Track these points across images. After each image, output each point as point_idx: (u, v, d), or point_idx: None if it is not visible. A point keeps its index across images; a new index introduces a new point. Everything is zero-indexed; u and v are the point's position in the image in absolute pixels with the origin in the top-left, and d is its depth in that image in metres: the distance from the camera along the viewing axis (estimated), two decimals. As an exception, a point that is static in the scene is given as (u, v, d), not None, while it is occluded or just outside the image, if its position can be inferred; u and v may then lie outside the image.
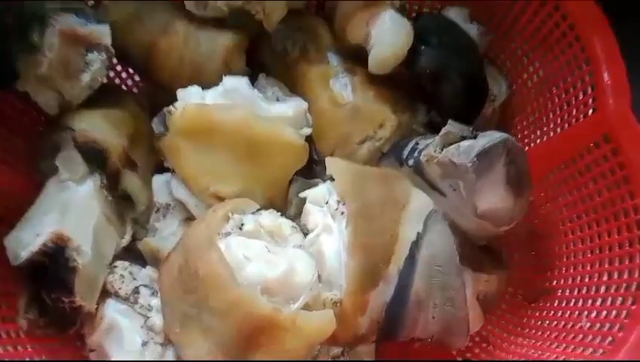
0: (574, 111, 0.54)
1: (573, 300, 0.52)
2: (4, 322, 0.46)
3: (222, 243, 0.43)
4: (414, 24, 0.54)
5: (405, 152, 0.52)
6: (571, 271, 0.54)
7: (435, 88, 0.55)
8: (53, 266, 0.45)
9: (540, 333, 0.53)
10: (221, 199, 0.49)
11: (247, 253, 0.42)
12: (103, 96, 0.53)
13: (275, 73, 0.59)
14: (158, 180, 0.55)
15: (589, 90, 0.52)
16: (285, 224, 0.47)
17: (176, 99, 0.51)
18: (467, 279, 0.47)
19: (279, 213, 0.49)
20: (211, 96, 0.52)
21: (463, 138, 0.48)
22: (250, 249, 0.43)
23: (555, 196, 0.57)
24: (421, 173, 0.50)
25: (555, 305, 0.54)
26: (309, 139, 0.54)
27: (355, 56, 0.56)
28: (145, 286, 0.49)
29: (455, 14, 0.58)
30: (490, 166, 0.45)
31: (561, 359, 0.48)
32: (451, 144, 0.47)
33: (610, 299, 0.48)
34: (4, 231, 0.47)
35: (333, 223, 0.46)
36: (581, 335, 0.48)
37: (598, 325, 0.48)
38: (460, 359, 0.58)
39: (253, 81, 0.55)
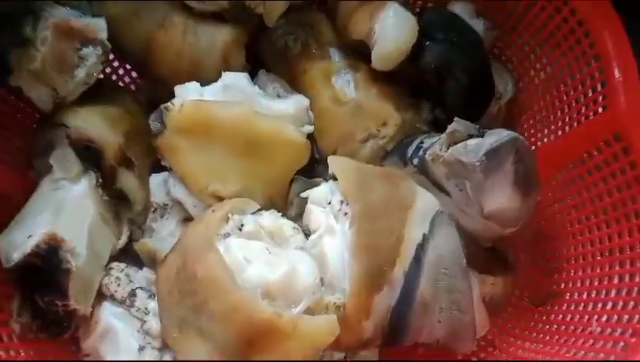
0: (583, 109, 0.54)
1: (583, 304, 0.51)
2: (-3, 326, 0.46)
3: (221, 244, 0.42)
4: (419, 19, 0.53)
5: (410, 151, 0.52)
6: (580, 273, 0.53)
7: (440, 85, 0.54)
8: (46, 268, 0.45)
9: (548, 338, 0.52)
10: (220, 199, 0.49)
11: (247, 254, 0.42)
12: (98, 93, 0.53)
13: (276, 69, 0.58)
14: (156, 179, 0.54)
15: (599, 88, 0.51)
16: (286, 225, 0.46)
17: (174, 96, 0.51)
18: (473, 282, 0.47)
19: (280, 214, 0.48)
20: (210, 93, 0.51)
21: (470, 136, 0.47)
22: (251, 250, 0.42)
23: (562, 196, 0.57)
24: (426, 173, 0.49)
25: (564, 308, 0.53)
26: (310, 137, 0.54)
27: (358, 52, 0.56)
28: (142, 288, 0.48)
29: (460, 9, 0.58)
30: (499, 165, 0.45)
31: (571, 365, 0.47)
32: (458, 142, 0.47)
33: (621, 302, 0.48)
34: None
35: (336, 224, 0.45)
36: (591, 340, 0.48)
37: (609, 330, 0.47)
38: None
39: (253, 77, 0.55)
